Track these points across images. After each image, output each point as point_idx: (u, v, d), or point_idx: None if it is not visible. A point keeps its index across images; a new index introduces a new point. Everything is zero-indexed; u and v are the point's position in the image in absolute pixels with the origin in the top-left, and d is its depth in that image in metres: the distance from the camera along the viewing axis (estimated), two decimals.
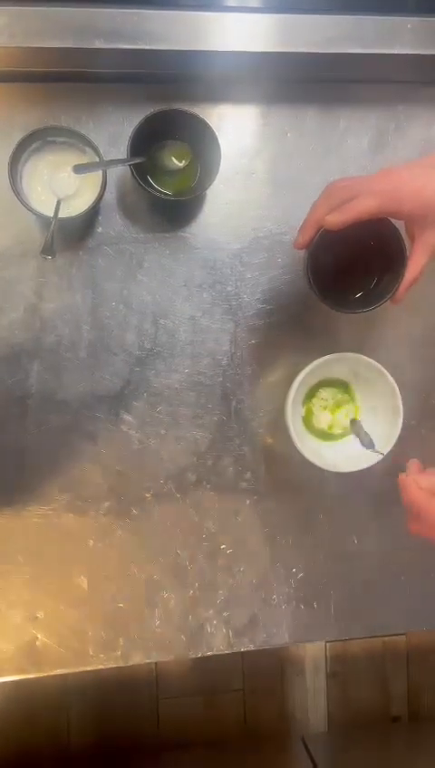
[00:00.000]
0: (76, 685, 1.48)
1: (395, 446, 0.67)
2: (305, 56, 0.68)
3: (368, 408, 0.71)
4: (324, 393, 0.72)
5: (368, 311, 0.63)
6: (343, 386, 0.72)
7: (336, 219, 0.56)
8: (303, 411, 0.72)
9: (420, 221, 0.58)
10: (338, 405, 0.72)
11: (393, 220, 0.60)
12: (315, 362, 0.65)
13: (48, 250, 0.64)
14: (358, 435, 0.68)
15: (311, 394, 0.72)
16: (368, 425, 0.69)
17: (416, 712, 1.63)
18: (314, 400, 0.72)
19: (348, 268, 0.66)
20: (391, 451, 0.67)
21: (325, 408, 0.72)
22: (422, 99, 0.74)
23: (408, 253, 0.61)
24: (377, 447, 0.66)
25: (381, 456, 0.66)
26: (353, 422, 0.70)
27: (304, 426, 0.71)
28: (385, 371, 0.66)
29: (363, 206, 0.55)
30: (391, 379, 0.66)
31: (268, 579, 0.74)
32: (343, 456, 0.69)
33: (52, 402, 0.70)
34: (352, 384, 0.72)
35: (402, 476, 0.60)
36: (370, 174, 0.59)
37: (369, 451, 0.66)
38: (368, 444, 0.67)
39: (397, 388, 0.66)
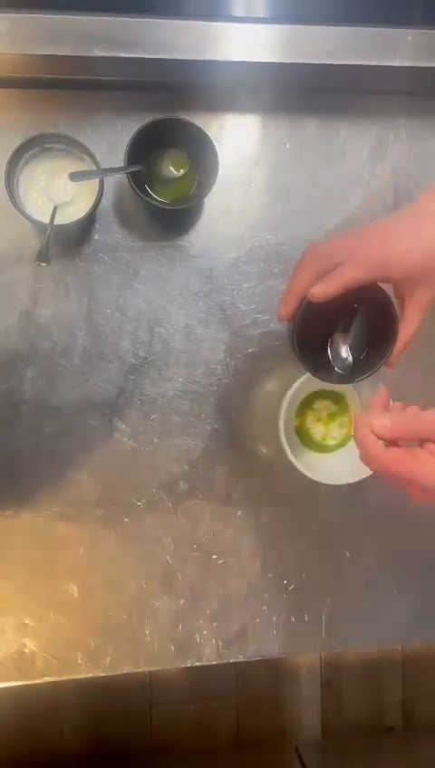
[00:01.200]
0: (69, 690, 1.47)
1: None
2: (306, 67, 0.68)
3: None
4: (318, 404, 0.72)
5: (362, 379, 0.59)
6: (337, 398, 0.72)
7: (321, 291, 0.53)
8: (296, 423, 0.72)
9: (410, 283, 0.56)
10: (332, 417, 0.72)
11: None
12: (309, 374, 0.65)
13: (43, 257, 0.64)
14: (331, 347, 0.59)
15: (305, 405, 0.72)
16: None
17: (411, 722, 1.62)
18: (308, 412, 0.72)
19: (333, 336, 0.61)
20: None
21: (319, 419, 0.72)
22: (422, 111, 0.74)
23: (399, 315, 0.58)
24: (353, 467, 0.61)
25: (344, 480, 0.62)
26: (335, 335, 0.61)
27: (297, 437, 0.71)
28: (380, 385, 0.65)
29: (349, 277, 0.53)
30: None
31: (259, 590, 0.73)
32: (336, 468, 0.69)
33: (45, 408, 0.70)
34: (347, 396, 0.72)
35: (357, 413, 0.53)
36: (356, 228, 0.57)
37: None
38: (339, 361, 0.58)
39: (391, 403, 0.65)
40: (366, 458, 0.50)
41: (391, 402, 0.54)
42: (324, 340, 0.60)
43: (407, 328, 0.58)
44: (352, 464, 0.67)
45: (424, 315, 0.58)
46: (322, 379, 0.59)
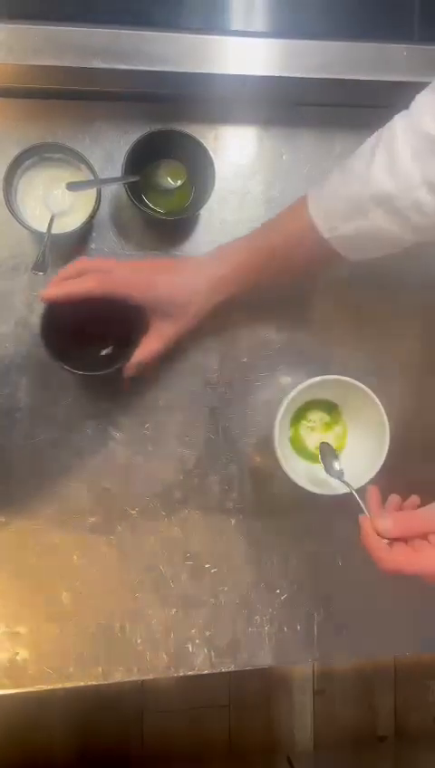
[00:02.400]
0: (61, 699, 1.47)
1: (385, 476, 0.65)
2: (303, 81, 0.68)
3: (355, 433, 0.71)
4: (313, 415, 0.72)
5: (106, 372, 0.63)
6: (332, 408, 0.72)
7: (50, 293, 0.58)
8: (291, 433, 0.72)
9: (158, 311, 0.63)
10: (327, 427, 0.72)
11: None
12: (304, 384, 0.65)
13: (40, 266, 0.64)
14: (323, 458, 0.66)
15: (300, 416, 0.72)
16: (353, 450, 0.69)
17: (403, 731, 1.62)
18: (303, 422, 0.72)
19: (84, 331, 0.66)
20: (382, 474, 0.66)
21: (313, 429, 0.72)
22: None
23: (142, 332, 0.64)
24: (350, 477, 0.64)
25: (347, 489, 0.63)
26: (323, 445, 0.68)
27: (292, 447, 0.71)
28: (374, 397, 0.66)
29: (82, 286, 0.59)
30: (380, 406, 0.65)
31: (252, 599, 0.73)
32: (330, 478, 0.69)
33: (40, 416, 0.70)
34: (342, 407, 0.72)
35: (362, 518, 0.56)
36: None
37: (337, 481, 0.65)
38: (332, 472, 0.65)
39: (385, 417, 0.65)
40: (376, 561, 0.54)
41: (390, 499, 0.60)
42: (73, 331, 0.64)
43: (147, 348, 0.64)
44: (345, 474, 0.67)
45: (165, 344, 0.65)
46: (63, 366, 0.62)
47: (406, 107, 0.59)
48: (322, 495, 0.67)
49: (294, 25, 0.72)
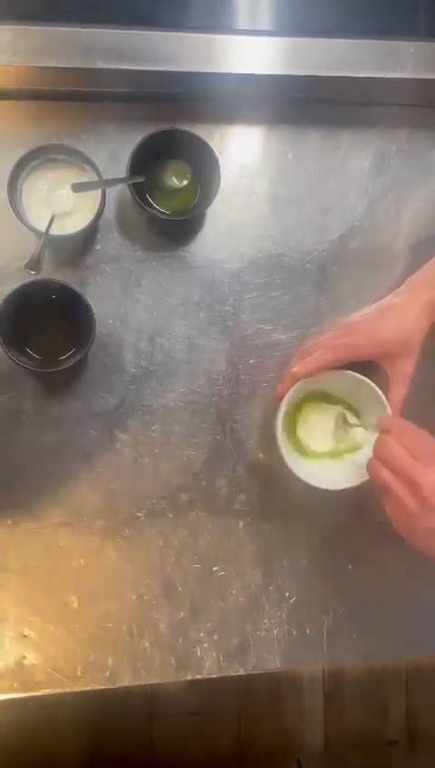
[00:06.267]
0: (69, 702, 1.46)
1: None
2: (308, 79, 0.68)
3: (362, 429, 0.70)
4: (314, 415, 0.71)
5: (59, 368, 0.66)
6: (338, 403, 0.71)
7: (301, 370, 0.65)
8: (297, 433, 0.71)
9: (385, 358, 0.66)
10: (329, 421, 0.71)
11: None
12: (301, 382, 0.65)
13: (33, 264, 0.63)
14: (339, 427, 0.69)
15: (300, 407, 0.71)
16: (357, 451, 0.69)
17: (415, 735, 1.60)
18: (304, 420, 0.71)
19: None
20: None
21: (315, 427, 0.71)
22: (424, 122, 0.74)
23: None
24: (352, 469, 0.66)
25: (349, 484, 0.65)
26: (339, 416, 0.70)
27: (295, 446, 0.70)
28: (379, 391, 0.65)
29: (323, 359, 0.65)
30: (385, 400, 0.65)
31: (260, 602, 0.73)
32: (335, 473, 0.68)
33: (45, 418, 0.70)
34: (348, 402, 0.71)
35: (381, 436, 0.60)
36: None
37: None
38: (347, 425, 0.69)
39: (389, 409, 0.66)
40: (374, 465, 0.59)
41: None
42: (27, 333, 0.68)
43: (395, 397, 0.66)
44: (351, 469, 0.67)
45: (409, 383, 0.66)
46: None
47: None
48: (330, 497, 0.66)
49: (300, 23, 0.71)
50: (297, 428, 0.71)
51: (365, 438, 0.69)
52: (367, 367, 0.67)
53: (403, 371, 0.66)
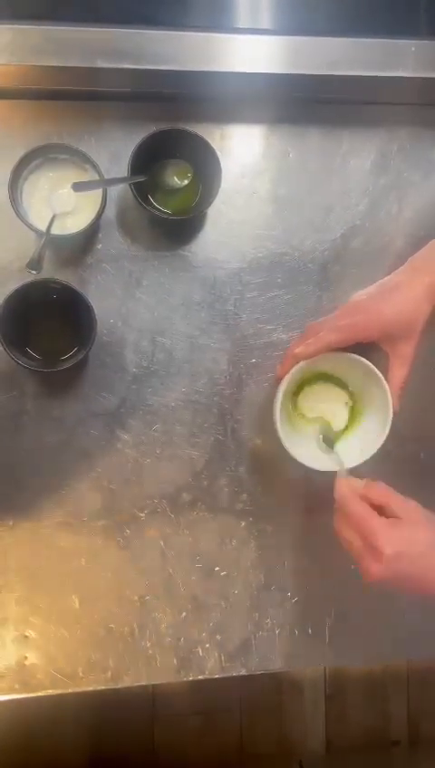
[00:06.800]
0: (70, 703, 1.46)
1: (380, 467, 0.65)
2: (309, 78, 0.68)
3: (359, 415, 0.70)
4: (316, 391, 0.71)
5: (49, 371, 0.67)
6: (338, 383, 0.71)
7: (303, 351, 0.64)
8: (293, 405, 0.71)
9: (387, 339, 0.65)
10: (330, 399, 0.71)
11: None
12: (301, 364, 0.65)
13: (34, 264, 0.63)
14: (323, 440, 0.68)
15: (300, 388, 0.71)
16: (352, 432, 0.69)
17: (416, 736, 1.60)
18: (303, 396, 0.71)
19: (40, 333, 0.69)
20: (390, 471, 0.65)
21: (312, 413, 0.71)
22: (426, 121, 0.74)
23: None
24: (344, 456, 0.65)
25: (339, 467, 0.64)
26: (323, 427, 0.70)
27: (292, 425, 0.70)
28: (379, 374, 0.64)
29: (326, 341, 0.63)
30: (385, 383, 0.64)
31: (262, 602, 0.73)
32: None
33: (47, 419, 0.70)
34: (350, 388, 0.71)
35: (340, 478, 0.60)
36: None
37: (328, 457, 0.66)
38: (326, 445, 0.67)
39: (390, 399, 0.64)
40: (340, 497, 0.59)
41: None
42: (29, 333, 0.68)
43: (396, 378, 0.66)
44: (352, 451, 0.67)
45: (410, 365, 0.66)
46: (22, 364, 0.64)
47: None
48: (332, 497, 0.66)
49: (301, 23, 0.71)
50: (296, 407, 0.71)
51: (345, 454, 0.68)
52: (366, 348, 0.67)
53: (404, 354, 0.65)
